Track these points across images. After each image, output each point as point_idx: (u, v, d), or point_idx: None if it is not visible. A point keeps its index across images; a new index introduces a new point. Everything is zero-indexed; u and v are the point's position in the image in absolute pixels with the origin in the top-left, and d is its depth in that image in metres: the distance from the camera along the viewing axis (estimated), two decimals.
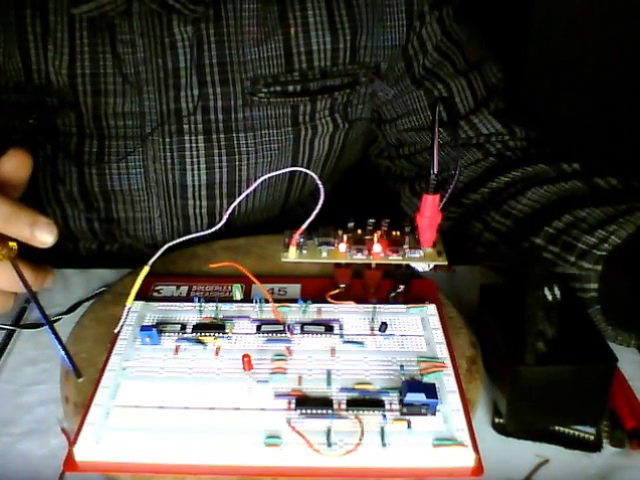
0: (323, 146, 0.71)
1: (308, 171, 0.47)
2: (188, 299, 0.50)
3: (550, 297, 0.42)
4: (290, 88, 0.65)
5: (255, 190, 0.69)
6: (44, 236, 0.40)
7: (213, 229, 0.47)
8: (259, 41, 0.63)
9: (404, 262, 0.48)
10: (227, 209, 0.47)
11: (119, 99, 0.63)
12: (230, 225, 0.70)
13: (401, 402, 0.40)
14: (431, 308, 0.49)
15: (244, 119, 0.65)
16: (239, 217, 0.71)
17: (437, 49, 0.69)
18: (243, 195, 0.49)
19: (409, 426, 0.39)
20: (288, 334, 0.46)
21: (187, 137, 0.65)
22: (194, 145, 0.65)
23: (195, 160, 0.66)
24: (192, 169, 0.66)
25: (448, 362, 0.44)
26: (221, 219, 0.45)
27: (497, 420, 0.45)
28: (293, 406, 0.41)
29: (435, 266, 0.48)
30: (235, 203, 0.48)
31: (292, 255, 0.49)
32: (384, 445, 0.38)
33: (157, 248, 0.45)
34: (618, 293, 0.51)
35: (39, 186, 0.69)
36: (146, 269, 0.46)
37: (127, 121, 0.64)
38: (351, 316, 0.48)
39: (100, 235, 0.72)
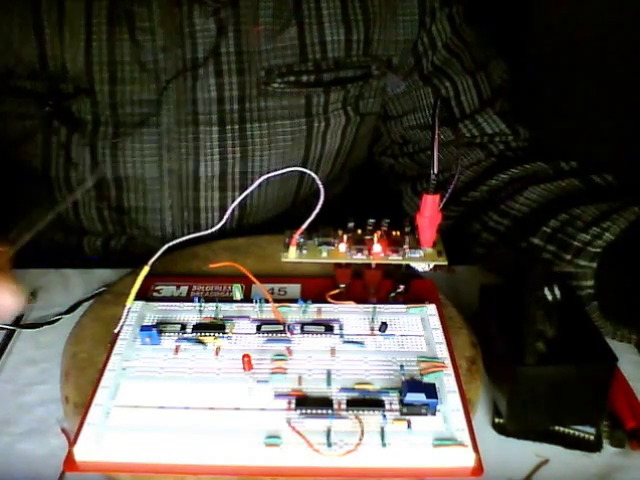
0: (335, 140, 0.71)
1: (307, 171, 0.47)
2: (188, 299, 0.50)
3: (550, 297, 0.42)
4: (304, 78, 0.65)
5: (267, 186, 0.69)
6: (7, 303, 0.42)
7: (218, 226, 0.47)
8: (274, 32, 0.63)
9: (404, 262, 0.48)
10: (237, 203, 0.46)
11: (136, 87, 0.63)
12: (241, 222, 0.70)
13: (401, 402, 0.40)
14: (431, 308, 0.49)
15: (258, 109, 0.65)
16: (250, 214, 0.71)
17: (446, 47, 0.69)
18: (247, 191, 0.49)
19: (409, 426, 0.39)
20: (288, 334, 0.46)
21: (202, 127, 0.65)
22: (208, 136, 0.65)
23: (209, 151, 0.66)
24: (205, 159, 0.66)
25: (448, 362, 0.44)
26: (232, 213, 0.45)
27: (497, 420, 0.45)
28: (293, 406, 0.41)
29: (435, 266, 0.48)
30: (240, 198, 0.48)
31: (292, 255, 0.49)
32: (384, 445, 0.38)
33: (165, 241, 0.46)
34: (615, 289, 0.51)
35: (51, 172, 0.68)
36: (146, 269, 0.46)
37: (143, 109, 0.64)
38: (351, 316, 0.48)
39: (109, 225, 0.71)
